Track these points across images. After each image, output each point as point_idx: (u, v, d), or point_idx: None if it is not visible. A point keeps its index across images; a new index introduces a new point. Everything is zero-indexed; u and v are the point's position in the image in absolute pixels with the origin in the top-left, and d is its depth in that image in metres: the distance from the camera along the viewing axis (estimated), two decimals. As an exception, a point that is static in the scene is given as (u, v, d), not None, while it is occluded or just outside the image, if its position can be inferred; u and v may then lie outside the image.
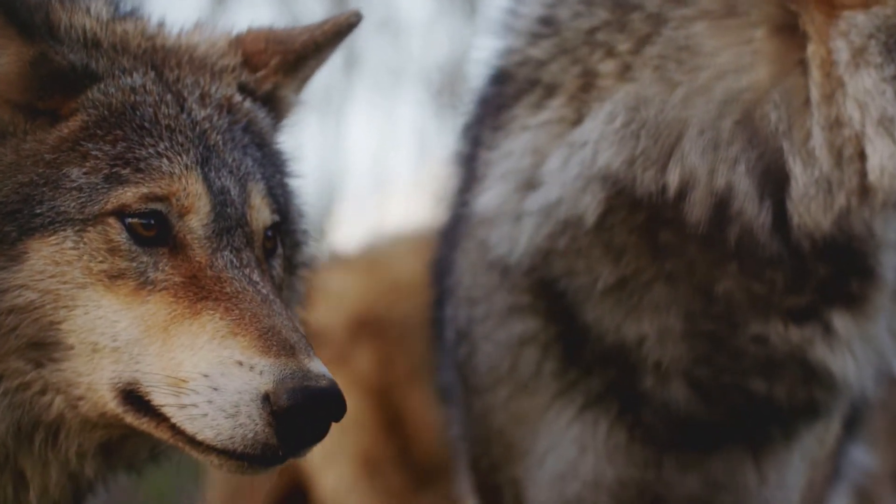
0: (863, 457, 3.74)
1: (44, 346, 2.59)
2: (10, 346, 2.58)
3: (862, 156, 2.89)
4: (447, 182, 3.63)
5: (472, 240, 3.34)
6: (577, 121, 3.13)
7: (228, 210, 2.67)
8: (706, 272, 3.07)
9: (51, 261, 2.57)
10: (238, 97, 2.85)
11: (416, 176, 10.20)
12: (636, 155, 3.03)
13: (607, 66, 3.11)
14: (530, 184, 3.17)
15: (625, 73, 3.07)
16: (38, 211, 2.59)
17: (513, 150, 3.20)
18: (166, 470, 2.89)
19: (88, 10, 2.76)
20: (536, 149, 3.17)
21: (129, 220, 2.59)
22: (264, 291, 2.57)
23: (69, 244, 2.58)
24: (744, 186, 2.97)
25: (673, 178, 3.00)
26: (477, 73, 3.61)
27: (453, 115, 9.75)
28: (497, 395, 3.34)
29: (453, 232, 3.50)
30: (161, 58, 2.80)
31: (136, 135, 2.64)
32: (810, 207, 2.94)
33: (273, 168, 2.85)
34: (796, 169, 2.92)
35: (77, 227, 2.58)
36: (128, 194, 2.59)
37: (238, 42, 2.92)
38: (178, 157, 2.64)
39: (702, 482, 3.28)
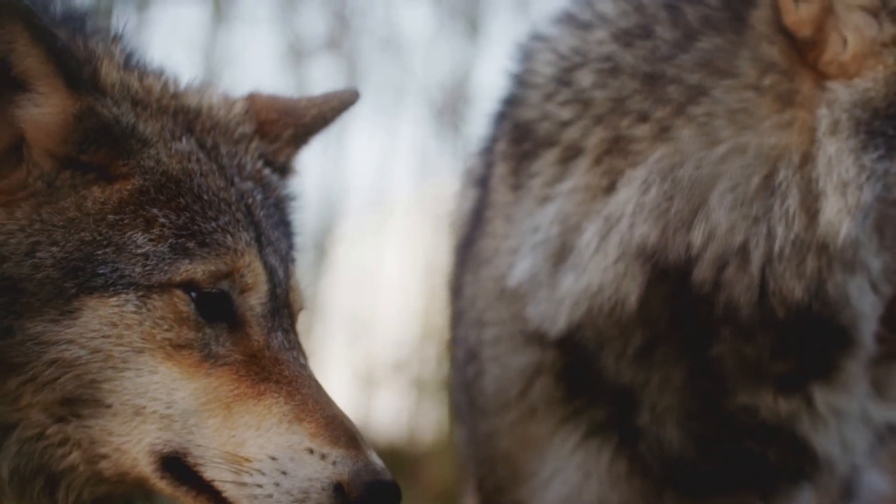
0: (877, 481, 3.75)
1: (75, 403, 2.58)
2: (41, 398, 2.58)
3: (821, 215, 2.96)
4: (459, 202, 3.66)
5: (488, 268, 3.36)
6: (609, 188, 3.15)
7: (277, 290, 2.72)
8: (704, 334, 3.10)
9: (108, 321, 2.56)
10: (266, 170, 2.88)
11: (417, 194, 10.19)
12: (670, 218, 3.05)
13: (641, 131, 3.13)
14: (561, 255, 3.20)
15: (661, 134, 3.09)
16: (101, 271, 2.59)
17: (540, 223, 3.22)
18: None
19: (129, 66, 2.78)
20: (565, 217, 3.19)
21: (196, 294, 2.61)
22: (314, 376, 2.64)
23: (131, 308, 2.58)
24: (761, 249, 2.99)
25: (697, 236, 3.04)
26: (485, 97, 3.65)
27: (455, 135, 9.76)
28: (504, 418, 3.35)
29: (465, 253, 3.52)
30: (192, 121, 2.82)
31: (198, 205, 2.66)
32: (785, 273, 2.98)
33: (293, 244, 2.88)
34: (778, 228, 2.97)
35: (141, 293, 2.59)
36: (198, 271, 2.61)
37: (251, 108, 2.95)
38: (240, 234, 2.68)
39: None
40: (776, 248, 2.96)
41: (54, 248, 2.57)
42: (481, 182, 3.51)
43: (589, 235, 3.12)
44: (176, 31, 9.69)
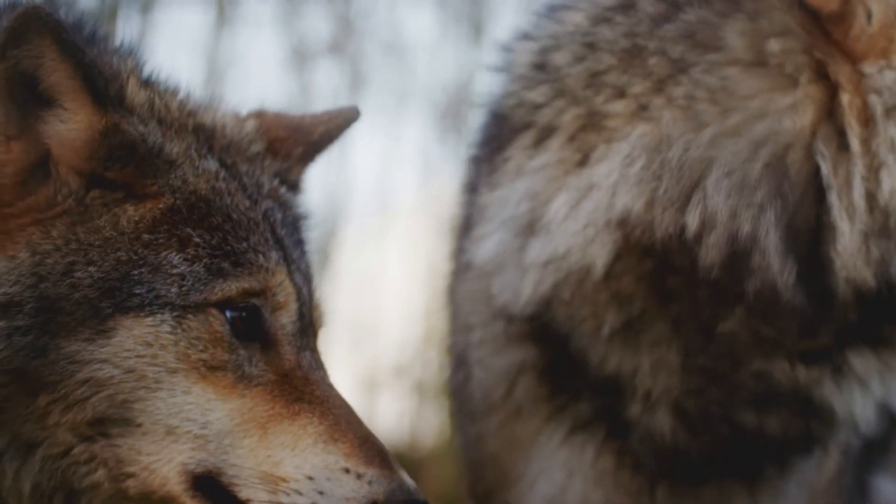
0: (890, 488, 3.72)
1: (105, 422, 2.58)
2: (69, 417, 2.57)
3: (881, 188, 2.94)
4: (457, 210, 3.67)
5: (470, 270, 3.35)
6: (582, 162, 3.13)
7: (304, 309, 2.74)
8: (710, 313, 3.07)
9: (143, 341, 2.56)
10: (282, 189, 2.90)
11: (421, 198, 10.20)
12: (658, 196, 3.03)
13: (616, 107, 3.11)
14: (529, 229, 3.18)
15: (640, 112, 3.07)
16: (138, 291, 2.59)
17: (509, 198, 3.21)
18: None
19: (148, 83, 2.78)
20: (535, 193, 3.18)
21: (231, 313, 2.61)
22: (342, 396, 2.65)
23: (166, 328, 2.58)
24: (771, 237, 2.97)
25: (693, 219, 3.01)
26: (479, 104, 3.66)
27: (458, 139, 9.76)
28: (491, 420, 3.35)
29: (456, 259, 3.53)
30: (210, 139, 2.82)
31: (228, 224, 2.67)
32: (857, 262, 2.96)
33: (310, 263, 2.90)
34: (842, 223, 2.95)
35: (176, 313, 2.59)
36: (232, 289, 2.62)
37: (261, 126, 2.96)
38: (270, 253, 2.69)
39: None
40: (846, 243, 2.95)
41: (91, 268, 2.57)
42: (472, 188, 3.52)
43: (558, 204, 3.12)
44: (179, 34, 9.72)
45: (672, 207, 3.02)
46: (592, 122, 3.13)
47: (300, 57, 9.43)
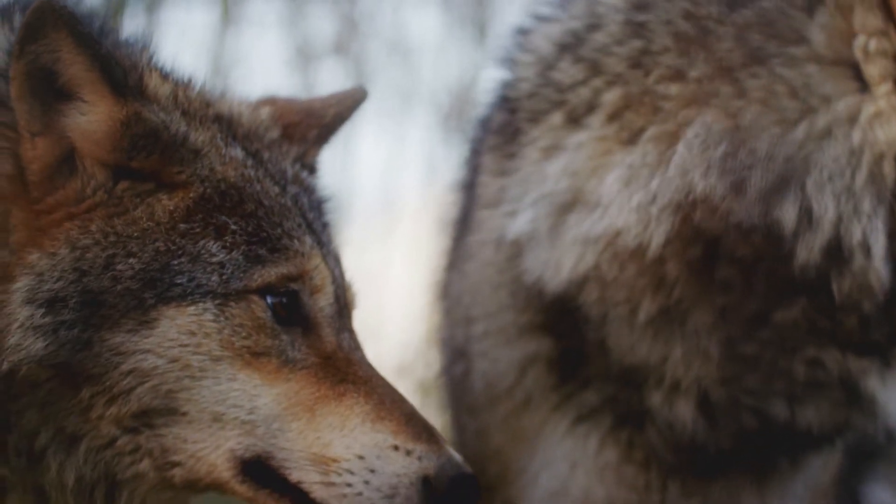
0: (884, 497, 3.71)
1: (149, 414, 2.61)
2: (113, 410, 2.60)
3: None
4: (450, 209, 3.67)
5: (475, 261, 3.34)
6: (631, 140, 3.08)
7: (339, 291, 2.77)
8: (767, 303, 3.04)
9: (186, 330, 2.58)
10: (303, 174, 2.92)
11: (424, 199, 10.20)
12: (748, 184, 2.98)
13: (671, 89, 3.04)
14: (569, 206, 3.14)
15: (704, 98, 3.00)
16: (179, 281, 2.60)
17: (545, 175, 3.16)
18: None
19: (166, 75, 2.80)
20: (575, 171, 3.13)
21: (271, 299, 2.64)
22: (382, 374, 2.68)
23: (209, 316, 2.61)
24: (880, 244, 2.96)
25: (789, 215, 2.96)
26: (481, 101, 3.64)
27: (461, 140, 9.77)
28: (495, 413, 3.33)
29: (452, 255, 3.52)
30: (231, 127, 2.85)
31: (262, 211, 2.71)
32: None
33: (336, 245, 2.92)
34: None
35: (218, 301, 2.62)
36: (271, 274, 2.64)
37: (275, 112, 2.99)
38: (304, 237, 2.73)
39: None
40: None
41: (132, 260, 2.61)
42: (468, 187, 3.51)
43: (611, 180, 3.06)
44: (184, 33, 9.73)
45: (761, 201, 2.98)
46: (642, 102, 3.06)
47: (304, 57, 9.45)
